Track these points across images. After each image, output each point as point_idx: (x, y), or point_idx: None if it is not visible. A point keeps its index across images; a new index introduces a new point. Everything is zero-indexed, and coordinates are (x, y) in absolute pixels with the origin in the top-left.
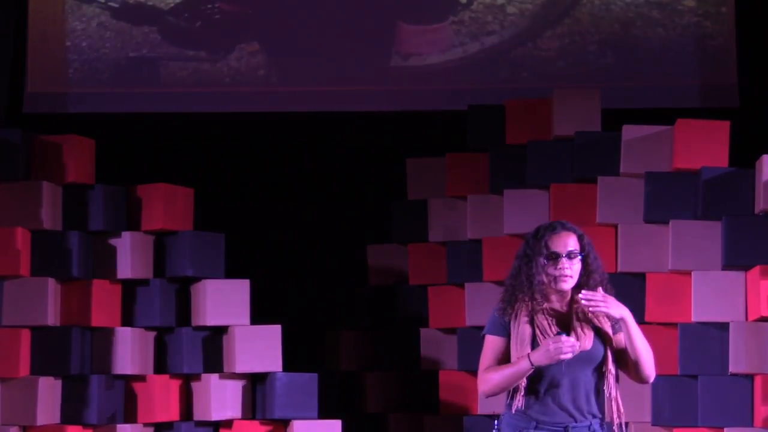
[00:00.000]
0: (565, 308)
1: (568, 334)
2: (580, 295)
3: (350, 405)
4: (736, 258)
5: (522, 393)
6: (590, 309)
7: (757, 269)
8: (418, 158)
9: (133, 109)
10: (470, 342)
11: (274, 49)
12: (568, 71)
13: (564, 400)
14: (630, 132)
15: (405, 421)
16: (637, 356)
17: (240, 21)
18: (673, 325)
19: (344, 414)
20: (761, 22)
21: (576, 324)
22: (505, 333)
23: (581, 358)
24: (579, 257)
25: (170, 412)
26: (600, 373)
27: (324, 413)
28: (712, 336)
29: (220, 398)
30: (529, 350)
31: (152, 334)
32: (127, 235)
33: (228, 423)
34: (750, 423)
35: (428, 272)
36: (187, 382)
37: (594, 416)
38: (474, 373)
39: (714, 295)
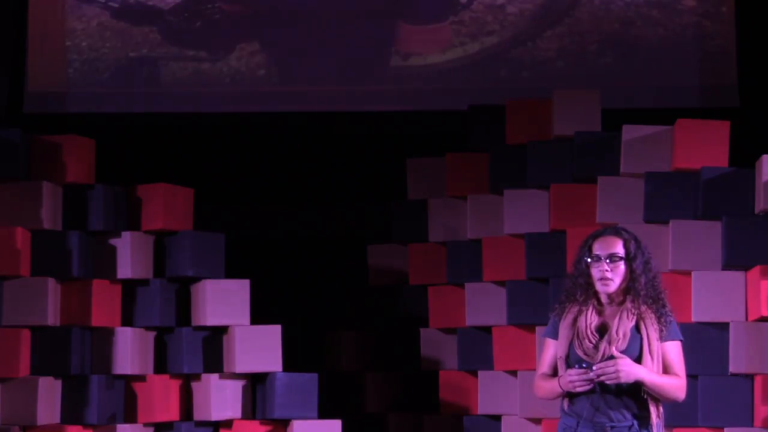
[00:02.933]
0: (614, 310)
1: (603, 336)
2: (594, 366)
3: (350, 405)
4: (736, 258)
5: (564, 386)
6: (605, 381)
7: (757, 269)
8: (418, 158)
9: (133, 109)
10: (470, 342)
11: (274, 49)
12: (568, 71)
13: (603, 401)
14: (630, 132)
15: (405, 421)
16: (659, 397)
17: (240, 21)
18: None
19: (344, 414)
20: (761, 22)
21: (615, 326)
22: (556, 335)
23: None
24: (621, 261)
25: (170, 412)
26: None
27: (324, 413)
28: (712, 336)
29: (220, 398)
30: (565, 352)
31: (152, 334)
32: (127, 235)
33: (228, 423)
34: (750, 423)
35: (428, 272)
36: (187, 382)
37: (635, 417)
38: (474, 373)
39: (714, 295)
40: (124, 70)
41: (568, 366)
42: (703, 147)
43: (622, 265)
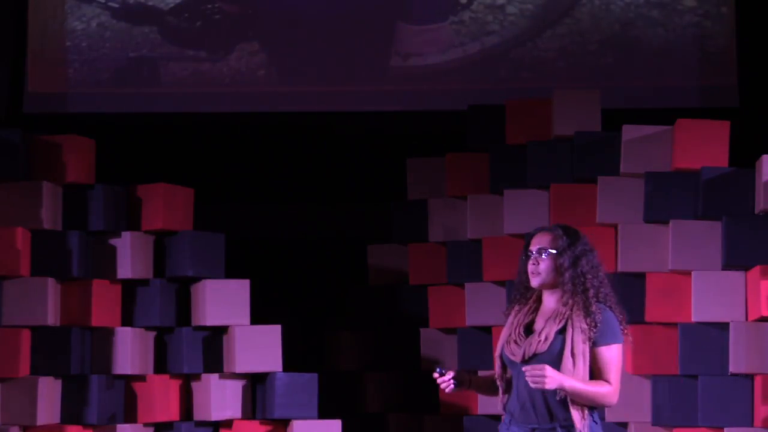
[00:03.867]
0: (550, 310)
1: (529, 334)
2: (523, 368)
3: (350, 405)
4: (736, 258)
5: (502, 391)
6: (532, 381)
7: (757, 269)
8: (418, 158)
9: (133, 109)
10: (470, 342)
11: (274, 49)
12: (568, 71)
13: (529, 402)
14: (630, 132)
15: (405, 421)
16: (588, 403)
17: (240, 21)
18: (673, 325)
19: (344, 414)
20: (761, 22)
21: (539, 327)
22: None
23: (538, 360)
24: (548, 255)
25: (170, 412)
26: None
27: (324, 413)
28: (712, 336)
29: (220, 398)
30: (499, 352)
31: (152, 334)
32: (127, 235)
33: (228, 423)
34: (750, 423)
35: (428, 272)
36: (187, 382)
37: (560, 420)
38: (474, 373)
39: (714, 295)
40: (124, 70)
41: (502, 365)
42: (703, 147)
43: (548, 260)
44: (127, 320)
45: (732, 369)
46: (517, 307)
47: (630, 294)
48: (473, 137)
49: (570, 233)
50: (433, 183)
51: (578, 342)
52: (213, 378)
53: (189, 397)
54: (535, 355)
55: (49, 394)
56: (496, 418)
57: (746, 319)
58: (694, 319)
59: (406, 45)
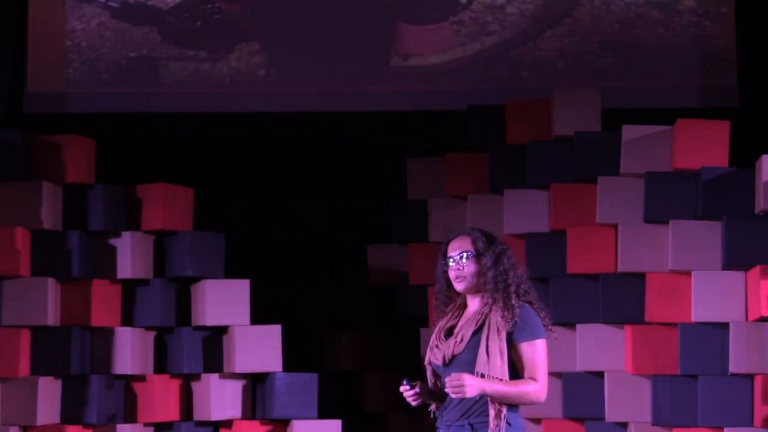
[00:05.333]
0: (476, 309)
1: (449, 337)
2: (445, 379)
3: (350, 405)
4: (736, 258)
5: (417, 390)
6: (451, 391)
7: (757, 269)
8: (418, 158)
9: (133, 109)
10: None
11: (274, 49)
12: (568, 71)
13: (451, 402)
14: (630, 132)
15: (405, 421)
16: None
17: (240, 21)
18: (673, 325)
19: (344, 414)
20: (761, 22)
21: (459, 328)
22: None
23: (457, 362)
24: (471, 258)
25: (170, 412)
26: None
27: (324, 413)
28: (712, 336)
29: (220, 398)
30: (428, 359)
31: (152, 334)
32: (127, 235)
33: (228, 423)
34: (750, 423)
35: (428, 272)
36: (187, 382)
37: (472, 419)
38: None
39: (714, 295)
40: (124, 70)
41: (434, 371)
42: (703, 147)
43: (472, 263)
44: (127, 320)
45: (732, 369)
46: (442, 315)
47: (630, 294)
48: (473, 137)
49: (486, 234)
50: (433, 183)
51: (494, 338)
52: (213, 378)
53: (189, 397)
54: (453, 356)
55: (49, 394)
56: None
57: (746, 319)
58: (694, 319)
59: (406, 45)
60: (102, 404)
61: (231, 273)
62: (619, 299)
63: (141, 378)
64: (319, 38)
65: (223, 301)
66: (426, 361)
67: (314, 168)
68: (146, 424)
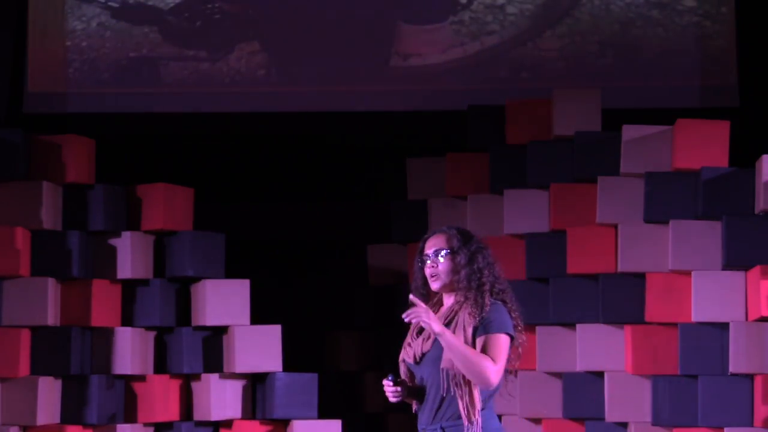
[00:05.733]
0: (449, 306)
1: (421, 335)
2: (406, 313)
3: (350, 405)
4: (736, 258)
5: (401, 388)
6: (408, 318)
7: (757, 269)
8: (418, 158)
9: (133, 109)
10: None
11: (274, 49)
12: (568, 71)
13: (425, 400)
14: (630, 132)
15: (405, 421)
16: (462, 370)
17: (240, 21)
18: (673, 325)
19: (344, 414)
20: (761, 22)
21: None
22: None
23: (428, 359)
24: (446, 256)
25: (170, 412)
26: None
27: (324, 413)
28: (712, 336)
29: (220, 398)
30: (402, 357)
31: (152, 334)
32: (127, 235)
33: (228, 423)
34: (750, 423)
35: None
36: (187, 382)
37: (443, 422)
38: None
39: (714, 295)
40: (124, 70)
41: (408, 370)
42: (703, 147)
43: (447, 260)
44: (127, 320)
45: (732, 369)
46: None
47: (630, 294)
48: (473, 137)
49: (463, 232)
50: (433, 183)
51: (459, 334)
52: (213, 378)
53: (189, 397)
54: (423, 354)
55: (49, 394)
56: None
57: (746, 319)
58: (694, 319)
59: (406, 45)
60: (102, 404)
61: (231, 273)
62: (619, 299)
63: (141, 378)
64: (319, 38)
65: (223, 301)
66: (400, 359)
67: (314, 168)
68: (146, 424)
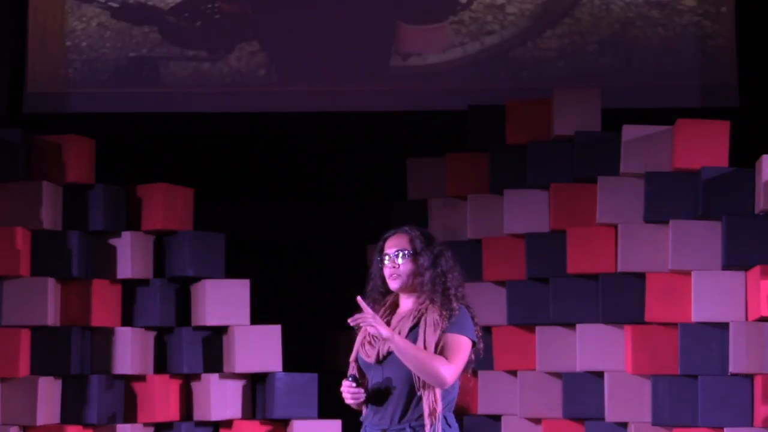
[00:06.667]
0: (411, 308)
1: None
2: (352, 318)
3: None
4: (737, 258)
5: (363, 390)
6: (354, 323)
7: (757, 269)
8: (418, 158)
9: (133, 109)
10: None
11: (274, 49)
12: (568, 71)
13: (383, 402)
14: (630, 132)
15: None
16: (416, 372)
17: (240, 21)
18: (673, 325)
19: (344, 414)
20: (761, 21)
21: (395, 325)
22: None
23: (394, 359)
24: (408, 257)
25: (170, 412)
26: (409, 375)
27: (324, 413)
28: (712, 336)
29: (220, 398)
30: (354, 356)
31: (152, 334)
32: (127, 235)
33: (228, 423)
34: (750, 423)
35: None
36: (187, 382)
37: (411, 422)
38: (474, 373)
39: (714, 295)
40: (124, 70)
41: (358, 368)
42: (703, 147)
43: (408, 261)
44: (127, 320)
45: (732, 369)
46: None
47: (630, 294)
48: (473, 137)
49: (425, 234)
50: (433, 183)
51: (430, 335)
52: (213, 378)
53: (189, 397)
54: (389, 353)
55: (49, 394)
56: (496, 418)
57: (746, 319)
58: (694, 319)
59: (406, 45)
60: (102, 404)
61: (231, 273)
62: (619, 299)
63: (141, 378)
64: (319, 38)
65: (223, 301)
66: (352, 358)
67: (314, 168)
68: (146, 424)
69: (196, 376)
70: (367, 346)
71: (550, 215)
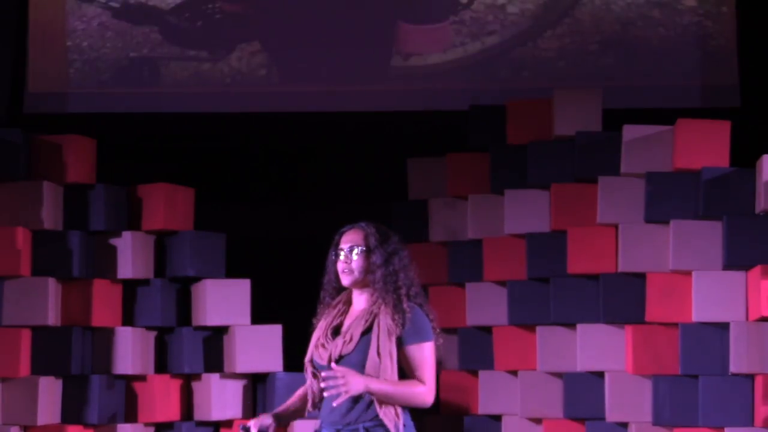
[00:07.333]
0: (360, 311)
1: (336, 335)
2: (323, 374)
3: None
4: (737, 258)
5: (312, 399)
6: (329, 393)
7: (757, 269)
8: (418, 158)
9: (133, 109)
10: (470, 342)
11: (274, 49)
12: (569, 71)
13: (336, 403)
14: (630, 132)
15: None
16: (400, 404)
17: (240, 21)
18: (674, 325)
19: None
20: (761, 22)
21: (345, 328)
22: None
23: (346, 362)
24: (361, 253)
25: (171, 412)
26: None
27: None
28: (713, 336)
29: (221, 398)
30: (309, 356)
31: (153, 334)
32: (127, 235)
33: (228, 423)
34: (750, 423)
35: (428, 272)
36: (187, 382)
37: (366, 421)
38: (474, 373)
39: (714, 295)
40: (124, 70)
41: (313, 369)
42: (703, 147)
43: (361, 258)
44: (127, 320)
45: (732, 369)
46: (327, 310)
47: (630, 294)
48: (474, 137)
49: (381, 231)
50: (434, 183)
51: (384, 341)
52: (213, 378)
53: (189, 397)
54: (341, 356)
55: (49, 394)
56: (497, 418)
57: (746, 319)
58: (694, 319)
59: (406, 45)
60: (102, 404)
61: (231, 273)
62: (620, 299)
63: (141, 378)
64: (319, 38)
65: (223, 301)
66: (307, 359)
67: (314, 168)
68: (146, 424)
69: (197, 376)
70: (321, 349)
71: (551, 215)
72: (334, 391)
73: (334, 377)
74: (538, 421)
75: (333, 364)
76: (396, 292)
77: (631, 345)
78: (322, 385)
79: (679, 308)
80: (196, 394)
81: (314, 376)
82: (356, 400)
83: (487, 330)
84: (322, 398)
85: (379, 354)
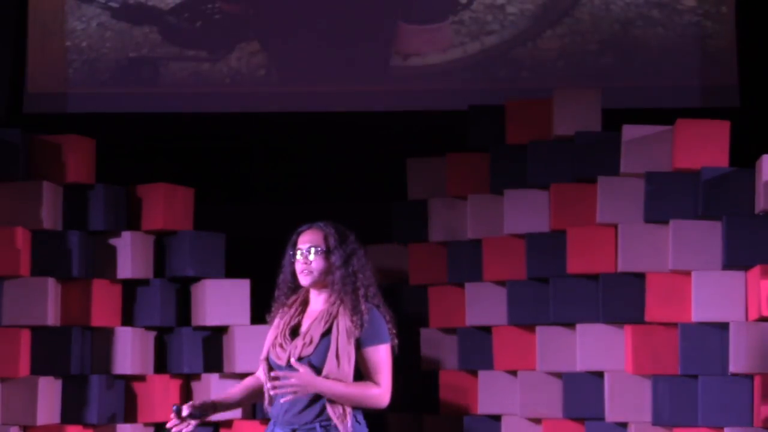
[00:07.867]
0: (318, 312)
1: (296, 337)
2: (272, 374)
3: None
4: (737, 258)
5: (265, 390)
6: (275, 393)
7: (757, 269)
8: (418, 158)
9: (133, 109)
10: (470, 342)
11: (274, 49)
12: (568, 71)
13: (291, 403)
14: (630, 132)
15: (405, 421)
16: (355, 407)
17: (240, 21)
18: (674, 325)
19: None
20: (761, 22)
21: (304, 329)
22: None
23: (306, 364)
24: (320, 253)
25: (170, 412)
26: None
27: None
28: (713, 336)
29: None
30: (265, 355)
31: (152, 334)
32: (127, 235)
33: (228, 423)
34: (750, 423)
35: (428, 272)
36: (187, 382)
37: (321, 421)
38: (474, 373)
39: (714, 295)
40: (124, 70)
41: (269, 369)
42: (703, 147)
43: (320, 258)
44: (127, 320)
45: (732, 369)
46: (283, 309)
47: (630, 294)
48: (474, 137)
49: (339, 231)
50: (434, 183)
51: (343, 343)
52: (213, 378)
53: (189, 397)
54: (300, 358)
55: (49, 394)
56: (497, 418)
57: (746, 319)
58: (694, 319)
59: (406, 45)
60: (102, 404)
61: (231, 273)
62: (619, 299)
63: (141, 378)
64: (319, 38)
65: (223, 301)
66: (263, 357)
67: (314, 168)
68: (146, 424)
69: (197, 376)
70: (278, 349)
71: (551, 215)
72: (281, 391)
73: (286, 377)
74: (537, 421)
75: (294, 362)
76: (354, 293)
77: (631, 345)
78: (269, 384)
79: (678, 308)
80: (196, 394)
81: (269, 374)
82: (313, 399)
83: (486, 330)
84: (275, 396)
85: (338, 357)
